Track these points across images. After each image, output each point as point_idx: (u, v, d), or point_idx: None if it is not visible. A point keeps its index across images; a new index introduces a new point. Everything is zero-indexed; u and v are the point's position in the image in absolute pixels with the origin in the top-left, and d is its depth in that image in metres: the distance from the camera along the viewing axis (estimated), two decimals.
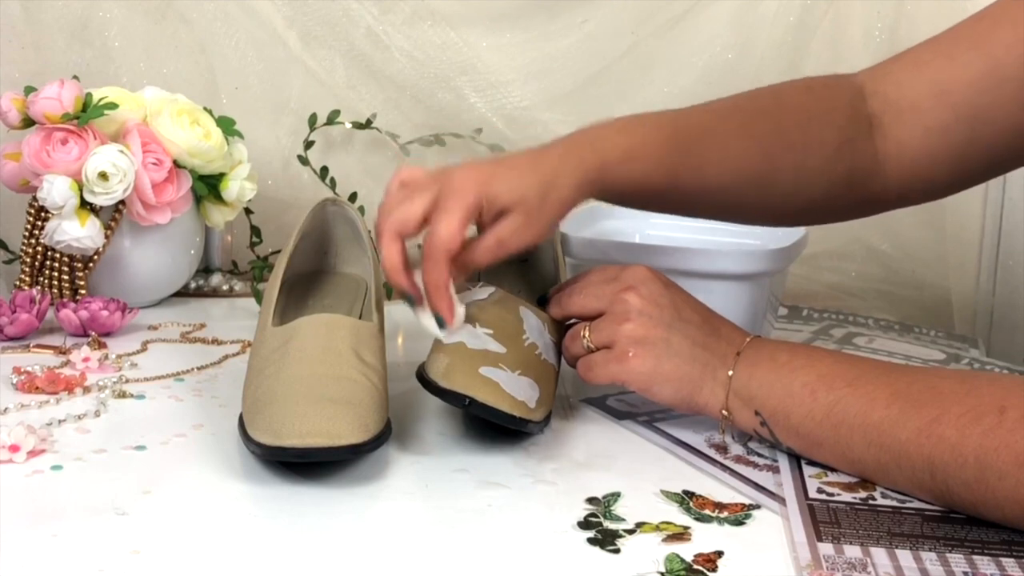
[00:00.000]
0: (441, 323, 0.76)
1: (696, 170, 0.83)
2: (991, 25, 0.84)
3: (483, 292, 0.81)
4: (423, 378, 0.75)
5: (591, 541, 0.63)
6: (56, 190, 1.01)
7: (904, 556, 0.62)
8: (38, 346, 0.95)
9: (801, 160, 0.86)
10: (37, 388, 0.84)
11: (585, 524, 0.65)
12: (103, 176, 1.02)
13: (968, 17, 0.86)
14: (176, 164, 1.08)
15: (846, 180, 0.87)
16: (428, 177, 0.78)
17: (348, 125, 1.29)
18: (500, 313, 0.80)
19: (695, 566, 0.61)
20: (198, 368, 0.92)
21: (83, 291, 1.05)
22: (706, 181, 0.84)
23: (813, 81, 0.90)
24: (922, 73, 0.86)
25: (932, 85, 0.85)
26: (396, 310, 1.13)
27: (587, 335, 0.79)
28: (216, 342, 0.99)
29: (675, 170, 0.81)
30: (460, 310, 0.77)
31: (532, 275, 0.95)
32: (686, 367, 0.76)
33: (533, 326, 0.81)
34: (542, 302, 0.85)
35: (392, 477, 0.72)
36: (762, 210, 0.90)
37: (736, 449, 0.78)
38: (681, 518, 0.67)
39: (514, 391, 0.74)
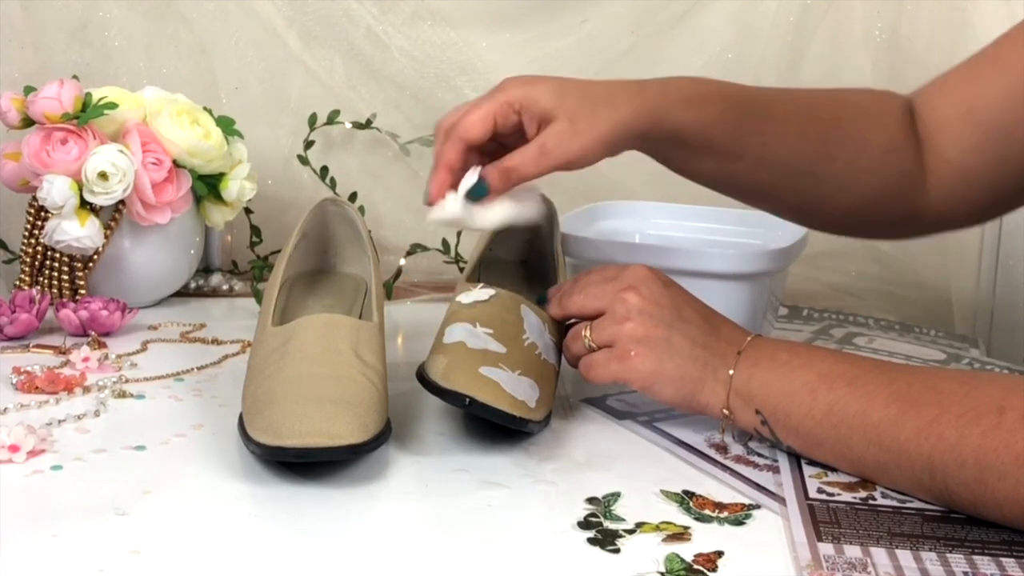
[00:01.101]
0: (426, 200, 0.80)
1: (755, 136, 0.84)
2: (1011, 46, 0.86)
3: (484, 293, 0.81)
4: (423, 378, 0.75)
5: (591, 541, 0.63)
6: (56, 190, 1.01)
7: (904, 556, 0.62)
8: (38, 346, 0.95)
9: (854, 154, 0.88)
10: (37, 388, 0.84)
11: (585, 524, 0.65)
12: (103, 176, 1.02)
13: (996, 38, 0.88)
14: (176, 164, 1.08)
15: (895, 185, 0.89)
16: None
17: (348, 125, 1.29)
18: (500, 313, 0.80)
19: (695, 566, 0.61)
20: (198, 368, 0.92)
21: (83, 291, 1.05)
22: (763, 151, 0.85)
23: (872, 90, 0.93)
24: (952, 95, 0.89)
25: (960, 105, 0.88)
26: (396, 310, 1.13)
27: (588, 335, 0.79)
28: (216, 342, 0.99)
29: (735, 129, 0.83)
30: (454, 204, 0.79)
31: (532, 275, 0.95)
32: (687, 366, 0.76)
33: (533, 326, 0.81)
34: (541, 302, 0.85)
35: (392, 477, 0.72)
36: (811, 200, 0.90)
37: (736, 449, 0.78)
38: (681, 518, 0.67)
39: (514, 391, 0.74)
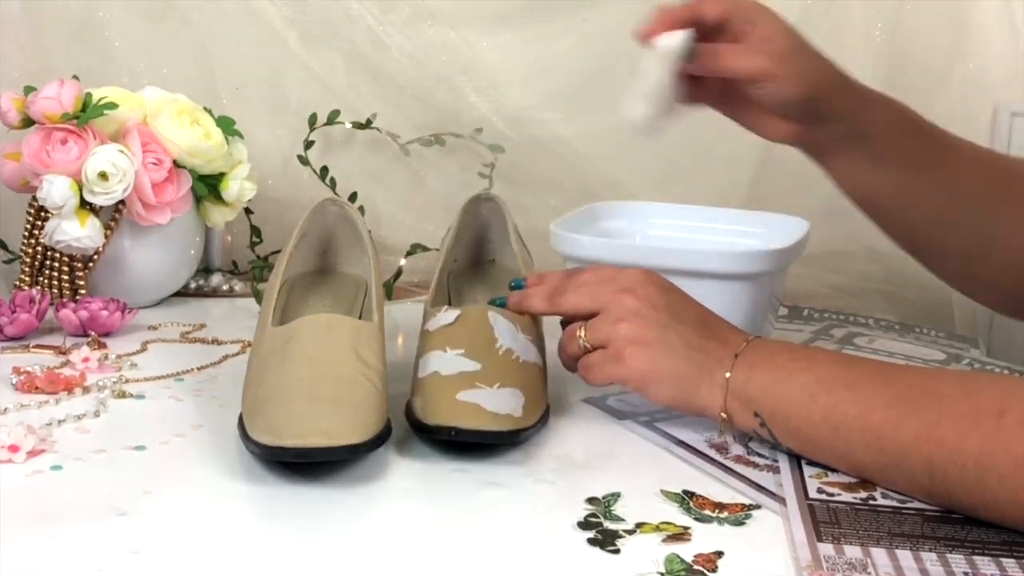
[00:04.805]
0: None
1: (938, 161, 0.87)
2: None
3: (450, 315, 0.81)
4: (409, 420, 0.76)
5: (591, 541, 0.63)
6: (56, 190, 1.01)
7: (904, 556, 0.62)
8: (38, 346, 0.95)
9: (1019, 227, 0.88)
10: (37, 388, 0.84)
11: (585, 524, 0.65)
12: (103, 176, 1.02)
13: None
14: (176, 164, 1.08)
15: None
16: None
17: (348, 125, 1.29)
18: (467, 329, 0.80)
19: (695, 566, 0.61)
20: (198, 368, 0.92)
21: (83, 291, 1.05)
22: (944, 175, 0.88)
23: None
24: None
25: None
26: (396, 310, 1.13)
27: (583, 335, 0.79)
28: (216, 342, 0.99)
29: (922, 146, 0.87)
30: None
31: (500, 273, 0.96)
32: (682, 367, 0.76)
33: (504, 331, 0.80)
34: (502, 304, 0.83)
35: (392, 477, 0.72)
36: (978, 248, 0.91)
37: (736, 449, 0.78)
38: (681, 518, 0.67)
39: (496, 407, 0.73)
